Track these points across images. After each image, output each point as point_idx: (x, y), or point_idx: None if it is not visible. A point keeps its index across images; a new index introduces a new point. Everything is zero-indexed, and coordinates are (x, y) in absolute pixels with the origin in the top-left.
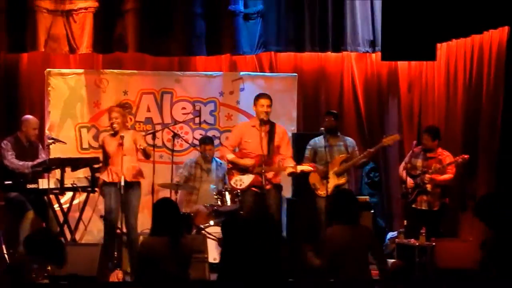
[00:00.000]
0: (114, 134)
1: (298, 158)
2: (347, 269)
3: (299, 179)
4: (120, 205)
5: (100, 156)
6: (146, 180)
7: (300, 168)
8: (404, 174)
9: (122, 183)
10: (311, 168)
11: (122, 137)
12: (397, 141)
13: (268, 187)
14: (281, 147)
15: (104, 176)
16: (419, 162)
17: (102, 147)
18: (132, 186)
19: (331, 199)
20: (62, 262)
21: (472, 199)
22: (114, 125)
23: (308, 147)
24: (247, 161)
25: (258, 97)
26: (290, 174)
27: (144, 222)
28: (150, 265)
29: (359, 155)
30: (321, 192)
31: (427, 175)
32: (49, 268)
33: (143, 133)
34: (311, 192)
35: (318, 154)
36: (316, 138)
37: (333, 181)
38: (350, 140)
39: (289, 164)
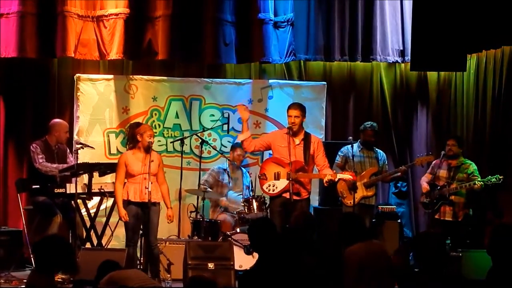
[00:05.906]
0: (146, 150)
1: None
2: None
3: (327, 188)
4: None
5: None
6: (174, 186)
7: (339, 176)
8: (423, 183)
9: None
10: (351, 177)
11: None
12: (431, 161)
13: (304, 194)
14: (316, 157)
15: (130, 195)
16: (442, 173)
17: (125, 166)
18: (154, 204)
19: (339, 225)
20: (74, 269)
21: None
22: (152, 143)
23: (340, 154)
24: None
25: (288, 107)
26: (328, 182)
27: (171, 229)
28: None
29: (388, 169)
30: (348, 201)
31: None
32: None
33: (171, 140)
34: (338, 201)
35: (349, 162)
36: (349, 146)
37: (361, 192)
38: (382, 154)
39: (328, 173)
